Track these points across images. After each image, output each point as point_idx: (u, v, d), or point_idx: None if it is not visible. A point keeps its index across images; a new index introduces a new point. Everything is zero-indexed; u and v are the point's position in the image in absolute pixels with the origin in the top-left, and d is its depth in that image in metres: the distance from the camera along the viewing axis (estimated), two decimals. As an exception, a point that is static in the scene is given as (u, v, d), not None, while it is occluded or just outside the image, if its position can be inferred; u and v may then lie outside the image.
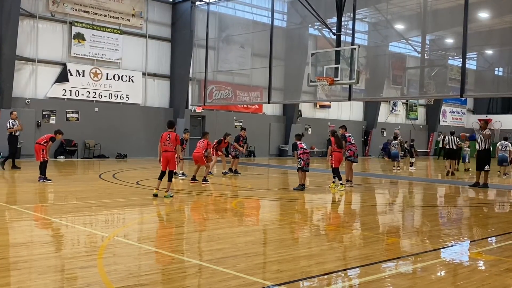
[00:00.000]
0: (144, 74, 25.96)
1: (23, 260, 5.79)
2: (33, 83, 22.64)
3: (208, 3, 24.47)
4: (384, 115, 37.90)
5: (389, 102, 37.93)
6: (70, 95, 23.44)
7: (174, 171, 12.07)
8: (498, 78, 24.50)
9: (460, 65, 16.29)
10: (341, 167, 14.54)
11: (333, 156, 14.04)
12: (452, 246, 7.42)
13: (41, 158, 13.47)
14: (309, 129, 32.79)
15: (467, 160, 23.08)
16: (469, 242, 7.96)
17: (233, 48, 25.23)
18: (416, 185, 17.21)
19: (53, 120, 22.79)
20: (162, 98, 26.82)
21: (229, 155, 18.40)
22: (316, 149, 32.10)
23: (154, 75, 26.44)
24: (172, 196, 11.24)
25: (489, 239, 8.20)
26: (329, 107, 34.15)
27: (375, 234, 8.18)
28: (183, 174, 16.14)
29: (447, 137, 22.13)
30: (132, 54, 25.43)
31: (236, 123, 28.71)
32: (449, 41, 22.39)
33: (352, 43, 18.05)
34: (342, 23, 18.47)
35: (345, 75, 17.32)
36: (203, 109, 27.43)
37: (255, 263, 6.00)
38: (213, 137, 18.03)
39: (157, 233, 8.01)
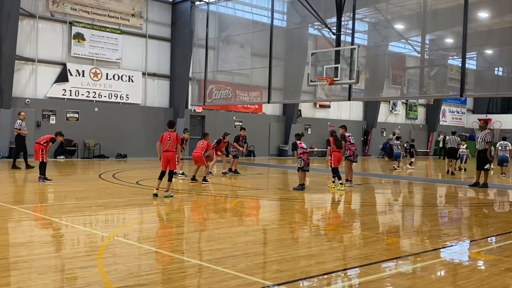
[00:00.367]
0: (144, 74, 25.96)
1: (23, 260, 5.79)
2: (33, 83, 22.64)
3: (208, 3, 24.47)
4: (384, 115, 37.90)
5: (389, 102, 37.93)
6: (70, 95, 23.44)
7: (174, 171, 12.07)
8: (498, 78, 24.53)
9: (460, 65, 16.30)
10: (341, 167, 14.54)
11: (332, 156, 14.05)
12: (452, 246, 7.42)
13: (40, 158, 13.47)
14: (309, 129, 32.79)
15: (464, 161, 23.10)
16: (469, 242, 7.97)
17: (233, 48, 25.24)
18: (416, 185, 17.21)
19: (53, 120, 22.79)
20: (162, 98, 26.82)
21: (229, 155, 18.40)
22: (316, 149, 32.10)
23: (154, 75, 26.44)
24: (172, 196, 11.24)
25: (489, 238, 8.20)
26: (329, 107, 34.15)
27: (375, 234, 8.18)
28: (183, 174, 16.15)
29: (447, 136, 22.17)
30: (132, 54, 25.43)
31: (236, 123, 28.70)
32: (449, 41, 22.41)
33: (352, 43, 18.05)
34: (342, 23, 18.47)
35: (345, 75, 17.32)
36: (203, 109, 27.43)
37: (255, 263, 6.01)
38: (213, 137, 18.03)
39: (157, 233, 8.01)
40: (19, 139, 17.16)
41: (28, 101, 22.16)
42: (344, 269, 5.89)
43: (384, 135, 36.68)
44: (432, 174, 23.36)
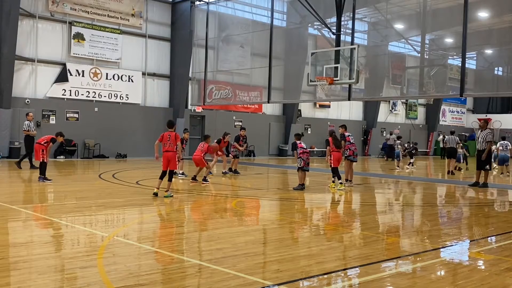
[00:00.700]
0: (143, 74, 25.96)
1: (23, 260, 5.80)
2: (33, 83, 22.63)
3: (207, 3, 24.45)
4: (383, 114, 37.90)
5: (389, 101, 37.94)
6: (70, 95, 23.43)
7: (174, 171, 12.08)
8: (498, 77, 24.54)
9: (460, 64, 16.28)
10: (341, 166, 14.54)
11: (332, 156, 14.06)
12: (452, 245, 7.42)
13: (40, 158, 13.49)
14: (309, 129, 32.79)
15: (461, 160, 23.11)
16: (468, 241, 7.97)
17: (232, 48, 25.22)
18: (416, 184, 17.21)
19: (52, 120, 22.79)
20: (161, 98, 26.82)
21: (229, 155, 18.40)
22: (316, 149, 32.10)
23: (153, 75, 26.44)
24: (172, 196, 11.24)
25: (489, 238, 8.21)
26: (328, 106, 34.15)
27: (375, 233, 8.18)
28: (182, 174, 16.15)
29: (446, 136, 22.20)
30: (131, 54, 25.42)
31: (235, 123, 28.71)
32: (449, 40, 22.42)
33: (352, 43, 18.04)
34: (342, 23, 18.46)
35: (344, 75, 17.31)
36: (202, 109, 27.42)
37: (255, 263, 6.01)
38: (213, 137, 18.02)
39: (157, 233, 8.01)
40: (28, 139, 17.20)
41: (28, 101, 22.16)
42: (344, 269, 5.89)
43: (384, 134, 36.70)
44: (432, 174, 23.37)
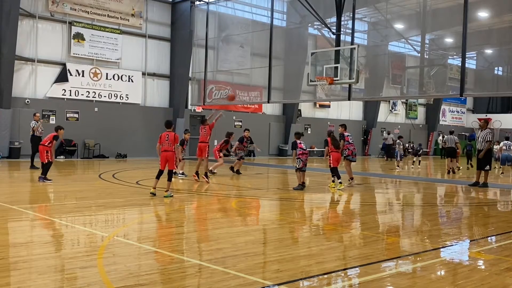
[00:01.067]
0: (143, 74, 25.96)
1: (23, 260, 5.80)
2: (33, 83, 22.63)
3: (207, 3, 24.46)
4: (383, 114, 37.89)
5: (389, 101, 37.95)
6: (70, 95, 23.43)
7: (173, 170, 12.08)
8: (498, 77, 24.57)
9: (460, 64, 16.29)
10: (341, 166, 14.54)
11: (331, 155, 14.07)
12: (452, 245, 7.42)
13: (46, 160, 13.49)
14: (309, 129, 32.79)
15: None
16: (469, 241, 7.97)
17: (232, 48, 25.23)
18: (416, 184, 17.21)
19: (52, 120, 22.76)
20: (161, 98, 26.81)
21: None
22: (316, 149, 32.10)
23: (153, 75, 26.44)
24: (172, 196, 11.24)
25: (489, 238, 8.20)
26: (328, 106, 34.15)
27: (375, 233, 8.18)
28: (183, 174, 16.16)
29: (445, 136, 22.25)
30: (131, 54, 25.42)
31: (235, 123, 28.71)
32: (449, 40, 22.43)
33: (352, 43, 18.04)
34: (342, 23, 18.46)
35: (344, 75, 17.32)
36: (202, 108, 27.41)
37: (255, 263, 6.00)
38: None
39: (157, 233, 8.01)
40: (34, 139, 17.22)
41: (28, 101, 22.16)
42: (344, 269, 5.89)
43: (384, 134, 36.69)
44: (432, 174, 23.37)
